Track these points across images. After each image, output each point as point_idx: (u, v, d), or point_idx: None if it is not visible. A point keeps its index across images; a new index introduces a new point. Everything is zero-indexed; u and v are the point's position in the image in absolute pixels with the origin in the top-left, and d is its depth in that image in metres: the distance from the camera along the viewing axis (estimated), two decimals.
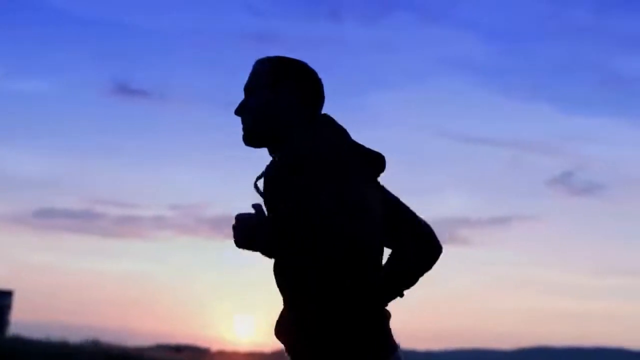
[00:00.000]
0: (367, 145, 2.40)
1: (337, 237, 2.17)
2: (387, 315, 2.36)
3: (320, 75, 2.49)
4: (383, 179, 2.42)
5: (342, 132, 2.40)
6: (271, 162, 2.36)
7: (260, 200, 2.32)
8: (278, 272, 2.31)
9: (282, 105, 2.39)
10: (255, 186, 2.34)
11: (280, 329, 2.35)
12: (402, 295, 2.42)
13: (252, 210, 2.29)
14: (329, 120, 2.41)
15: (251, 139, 2.43)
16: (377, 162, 2.39)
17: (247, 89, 2.46)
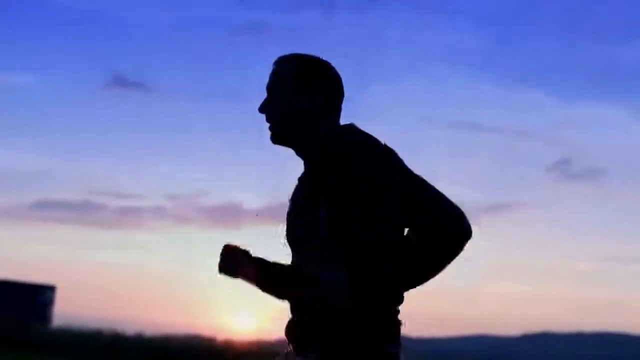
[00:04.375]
0: None
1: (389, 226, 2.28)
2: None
3: None
4: None
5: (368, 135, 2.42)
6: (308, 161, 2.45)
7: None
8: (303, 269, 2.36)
9: (308, 105, 2.43)
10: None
11: (291, 329, 2.41)
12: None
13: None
14: (354, 128, 2.41)
15: (279, 139, 2.46)
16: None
17: (270, 88, 2.48)
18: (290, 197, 2.49)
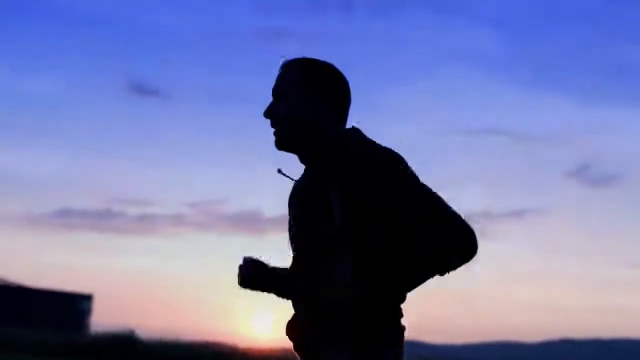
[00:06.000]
0: (384, 140, 2.39)
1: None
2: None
3: None
4: None
5: (371, 141, 2.38)
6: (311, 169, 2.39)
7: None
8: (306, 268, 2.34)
9: (313, 111, 2.38)
10: (282, 172, 2.44)
11: (294, 326, 2.38)
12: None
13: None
14: (358, 132, 2.40)
15: (283, 145, 2.42)
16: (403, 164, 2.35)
17: (276, 92, 2.43)
18: (288, 204, 2.44)
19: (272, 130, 2.41)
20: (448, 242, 2.22)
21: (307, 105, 2.38)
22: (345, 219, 2.24)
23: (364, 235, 2.24)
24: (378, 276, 2.24)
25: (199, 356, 19.27)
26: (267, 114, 2.41)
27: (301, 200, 2.37)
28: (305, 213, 2.34)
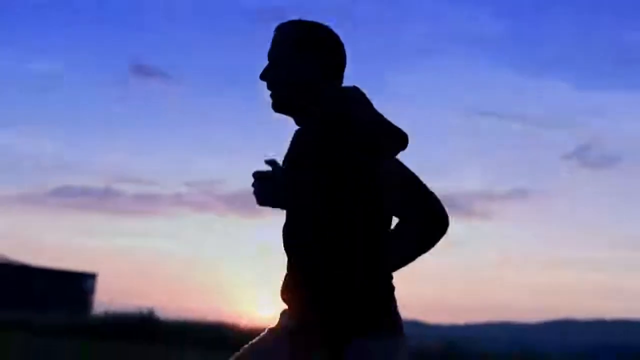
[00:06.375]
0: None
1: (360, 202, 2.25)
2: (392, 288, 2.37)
3: None
4: (403, 155, 2.41)
5: (371, 106, 2.39)
6: (309, 122, 2.40)
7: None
8: (290, 230, 2.36)
9: (309, 73, 2.39)
10: (269, 161, 2.35)
11: (286, 289, 2.39)
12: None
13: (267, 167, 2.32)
14: (360, 93, 2.41)
15: (280, 107, 2.42)
16: (401, 139, 2.37)
17: (271, 55, 2.44)
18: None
19: (268, 93, 2.42)
20: (432, 215, 2.29)
21: (302, 66, 2.38)
22: (323, 195, 2.23)
23: (342, 216, 2.23)
24: (357, 255, 2.26)
25: (222, 337, 18.90)
26: (263, 76, 2.42)
27: (291, 161, 2.39)
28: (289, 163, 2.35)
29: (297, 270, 2.35)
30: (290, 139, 2.47)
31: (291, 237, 2.36)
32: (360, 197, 2.25)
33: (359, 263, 2.27)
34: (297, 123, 2.43)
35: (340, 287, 2.26)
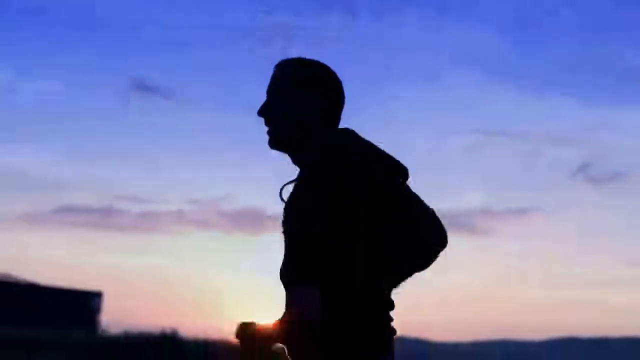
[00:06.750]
0: (386, 144, 2.44)
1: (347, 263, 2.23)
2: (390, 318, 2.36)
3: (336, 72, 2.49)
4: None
5: (368, 144, 2.41)
6: (300, 177, 2.36)
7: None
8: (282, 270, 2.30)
9: (307, 111, 2.39)
10: (280, 195, 2.39)
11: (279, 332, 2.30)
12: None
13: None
14: (352, 134, 2.42)
15: (277, 144, 2.43)
16: (401, 172, 2.41)
17: (270, 91, 2.44)
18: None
19: (266, 129, 2.43)
20: (431, 230, 2.37)
21: (300, 104, 2.39)
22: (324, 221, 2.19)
23: (328, 254, 2.19)
24: (344, 289, 2.23)
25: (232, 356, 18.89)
26: (261, 112, 2.44)
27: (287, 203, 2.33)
28: (286, 214, 2.30)
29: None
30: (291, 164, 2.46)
31: (282, 276, 2.31)
32: (357, 244, 2.24)
33: (355, 308, 2.24)
34: (293, 160, 2.43)
35: (335, 335, 2.23)
